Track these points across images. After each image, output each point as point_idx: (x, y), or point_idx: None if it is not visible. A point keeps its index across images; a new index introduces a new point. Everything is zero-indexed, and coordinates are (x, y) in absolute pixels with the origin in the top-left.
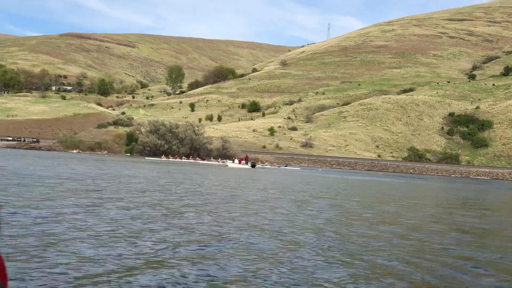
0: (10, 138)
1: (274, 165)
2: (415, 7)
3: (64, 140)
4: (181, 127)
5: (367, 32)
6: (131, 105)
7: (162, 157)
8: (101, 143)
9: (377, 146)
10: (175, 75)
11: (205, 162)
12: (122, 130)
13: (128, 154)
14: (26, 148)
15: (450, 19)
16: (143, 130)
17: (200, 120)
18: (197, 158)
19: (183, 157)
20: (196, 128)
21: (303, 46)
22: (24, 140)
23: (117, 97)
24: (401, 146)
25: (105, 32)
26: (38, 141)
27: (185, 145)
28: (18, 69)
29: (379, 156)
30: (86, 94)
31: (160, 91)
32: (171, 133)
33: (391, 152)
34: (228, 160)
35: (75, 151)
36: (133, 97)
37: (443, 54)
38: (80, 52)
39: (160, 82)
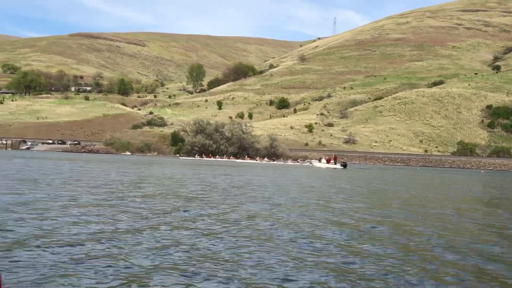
0: (50, 141)
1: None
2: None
3: (112, 142)
4: (227, 125)
5: (381, 25)
6: (155, 104)
7: (196, 156)
8: (150, 145)
9: (421, 141)
10: (195, 73)
11: (279, 162)
12: (158, 130)
13: (178, 155)
14: (84, 152)
15: (464, 10)
16: (188, 129)
17: (230, 118)
18: (246, 158)
19: (231, 157)
20: (244, 126)
21: (314, 40)
22: (76, 144)
23: (138, 96)
24: (445, 140)
25: (114, 31)
26: (79, 143)
27: (233, 145)
28: (33, 70)
29: (425, 151)
30: (106, 95)
31: (180, 90)
32: (218, 132)
33: (436, 147)
34: (313, 160)
35: (128, 153)
36: (155, 96)
37: (462, 45)
38: (91, 52)
39: (172, 80)
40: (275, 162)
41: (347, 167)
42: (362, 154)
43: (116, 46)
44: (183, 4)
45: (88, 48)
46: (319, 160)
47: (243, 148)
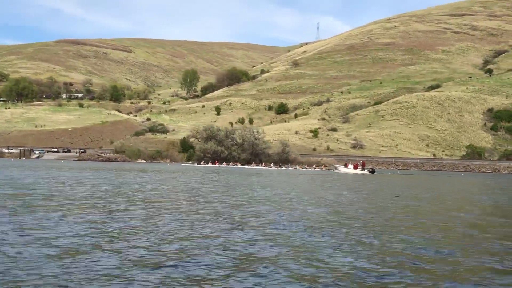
0: (55, 149)
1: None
2: (391, 7)
3: (123, 149)
4: (238, 131)
5: (369, 30)
6: (151, 110)
7: (202, 163)
8: (162, 152)
9: (427, 145)
10: (189, 79)
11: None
12: (161, 137)
13: (191, 163)
14: (102, 160)
15: (451, 15)
16: (198, 136)
17: (231, 124)
18: (263, 164)
19: (237, 163)
20: (256, 132)
21: (302, 45)
22: (82, 152)
23: (132, 103)
24: (451, 144)
25: (94, 37)
26: (85, 151)
27: (246, 151)
28: (24, 77)
29: (434, 155)
30: (98, 101)
31: (173, 95)
32: (229, 138)
33: (443, 151)
34: (338, 165)
35: (142, 160)
36: (149, 103)
37: (451, 49)
38: (78, 59)
39: (161, 86)
40: (289, 168)
41: (375, 173)
42: (373, 159)
43: (103, 53)
44: (161, 11)
45: (75, 54)
46: (345, 166)
47: (255, 154)
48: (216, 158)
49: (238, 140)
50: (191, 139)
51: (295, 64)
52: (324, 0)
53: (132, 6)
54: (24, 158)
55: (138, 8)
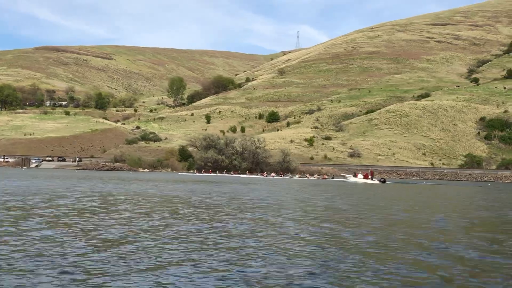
0: (50, 158)
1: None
2: (368, 15)
3: (123, 158)
4: (238, 140)
5: (352, 38)
6: (138, 118)
7: (195, 171)
8: (162, 161)
9: (424, 154)
10: (176, 87)
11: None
12: (155, 145)
13: (193, 171)
14: (107, 169)
15: (433, 24)
16: (198, 144)
17: (223, 132)
18: (266, 174)
19: (247, 172)
20: (257, 140)
21: (285, 53)
22: (79, 160)
23: (117, 110)
24: (447, 153)
25: (70, 44)
26: (81, 160)
27: (247, 160)
28: (6, 85)
29: (431, 164)
30: (83, 109)
31: (158, 103)
32: (229, 147)
33: (440, 159)
34: (347, 175)
35: (146, 170)
36: (135, 111)
37: (435, 58)
38: (59, 66)
39: (143, 94)
40: (293, 177)
41: (385, 182)
42: (373, 168)
43: (84, 60)
44: (137, 18)
45: (55, 61)
46: (355, 175)
47: (256, 163)
48: (216, 167)
49: (238, 149)
50: (190, 148)
51: (281, 72)
52: (301, 9)
53: (108, 13)
54: (26, 167)
55: (113, 15)
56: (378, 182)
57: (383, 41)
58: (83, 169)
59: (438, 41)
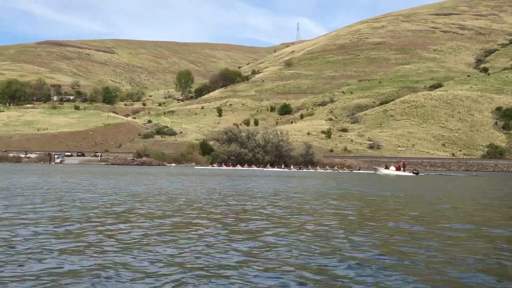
0: (69, 154)
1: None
2: (366, 7)
3: (146, 153)
4: (260, 133)
5: (357, 29)
6: (148, 112)
7: (215, 165)
8: (186, 155)
9: (443, 145)
10: (184, 80)
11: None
12: (171, 139)
13: (215, 165)
14: (137, 164)
15: (437, 14)
16: (219, 138)
17: (237, 125)
18: (293, 167)
19: (268, 166)
20: (279, 133)
21: (288, 45)
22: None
23: (125, 104)
24: (467, 143)
25: (67, 39)
26: (101, 155)
27: (270, 153)
28: (13, 80)
29: (452, 154)
30: (91, 103)
31: (165, 97)
32: (251, 140)
33: (460, 150)
34: (379, 167)
35: (173, 164)
36: (144, 104)
37: (442, 48)
38: (62, 60)
39: (146, 87)
40: (317, 170)
41: (419, 174)
42: (396, 159)
43: (86, 54)
44: (132, 12)
45: (58, 56)
46: (386, 167)
47: (279, 156)
48: (240, 160)
49: (260, 142)
50: (211, 142)
51: (288, 64)
52: (298, 1)
53: (103, 8)
54: (53, 163)
55: (109, 10)
56: (411, 174)
57: (388, 31)
58: (112, 164)
59: (444, 31)
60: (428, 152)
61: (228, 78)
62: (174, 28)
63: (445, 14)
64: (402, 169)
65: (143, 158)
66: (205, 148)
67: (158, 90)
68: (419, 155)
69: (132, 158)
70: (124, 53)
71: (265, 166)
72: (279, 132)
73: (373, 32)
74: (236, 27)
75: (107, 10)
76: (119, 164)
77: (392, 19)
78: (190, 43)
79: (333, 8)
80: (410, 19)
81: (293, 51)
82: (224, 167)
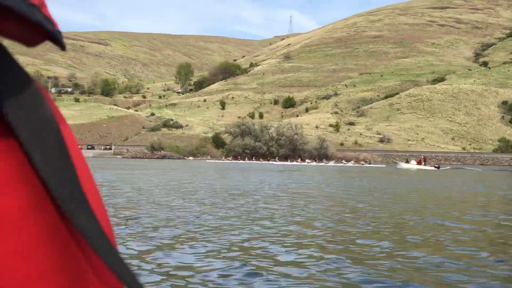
0: (79, 146)
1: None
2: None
3: (161, 147)
4: (274, 126)
5: (353, 22)
6: (150, 105)
7: (224, 158)
8: (200, 148)
9: (453, 138)
10: (184, 73)
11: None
12: (179, 132)
13: (230, 159)
14: (158, 158)
15: (433, 8)
16: (232, 131)
17: (242, 118)
18: (308, 160)
19: (276, 159)
20: (294, 126)
21: (283, 38)
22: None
23: (124, 97)
24: (476, 137)
25: (73, 30)
26: (111, 148)
27: (284, 146)
28: None
29: (463, 148)
30: (89, 95)
31: (164, 90)
32: (265, 133)
33: (470, 144)
34: (399, 161)
35: (191, 158)
36: (144, 97)
37: (440, 42)
38: (56, 52)
39: (141, 80)
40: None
41: (440, 168)
42: (408, 153)
43: (80, 46)
44: (123, 4)
45: (52, 47)
46: (407, 161)
47: (293, 149)
48: (254, 154)
49: (274, 135)
50: (223, 135)
51: (287, 57)
52: None
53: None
54: None
55: (98, 1)
56: (433, 168)
57: (385, 25)
58: (132, 157)
59: (441, 25)
60: (438, 146)
61: (227, 71)
62: (165, 20)
63: (441, 8)
64: (423, 163)
65: (167, 152)
66: (217, 141)
67: (154, 82)
68: (430, 149)
69: (151, 151)
70: (118, 45)
71: (275, 160)
72: (293, 126)
73: (370, 25)
74: (228, 19)
75: (96, 2)
76: (139, 158)
77: (389, 12)
78: (183, 35)
79: (324, 2)
80: (407, 13)
81: (289, 44)
82: (240, 161)
